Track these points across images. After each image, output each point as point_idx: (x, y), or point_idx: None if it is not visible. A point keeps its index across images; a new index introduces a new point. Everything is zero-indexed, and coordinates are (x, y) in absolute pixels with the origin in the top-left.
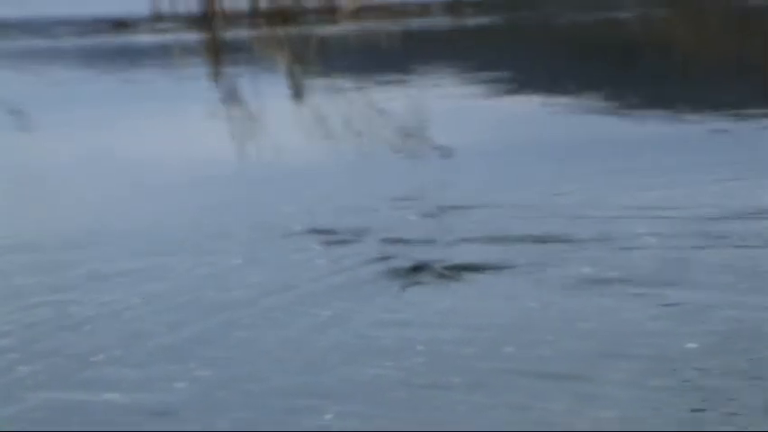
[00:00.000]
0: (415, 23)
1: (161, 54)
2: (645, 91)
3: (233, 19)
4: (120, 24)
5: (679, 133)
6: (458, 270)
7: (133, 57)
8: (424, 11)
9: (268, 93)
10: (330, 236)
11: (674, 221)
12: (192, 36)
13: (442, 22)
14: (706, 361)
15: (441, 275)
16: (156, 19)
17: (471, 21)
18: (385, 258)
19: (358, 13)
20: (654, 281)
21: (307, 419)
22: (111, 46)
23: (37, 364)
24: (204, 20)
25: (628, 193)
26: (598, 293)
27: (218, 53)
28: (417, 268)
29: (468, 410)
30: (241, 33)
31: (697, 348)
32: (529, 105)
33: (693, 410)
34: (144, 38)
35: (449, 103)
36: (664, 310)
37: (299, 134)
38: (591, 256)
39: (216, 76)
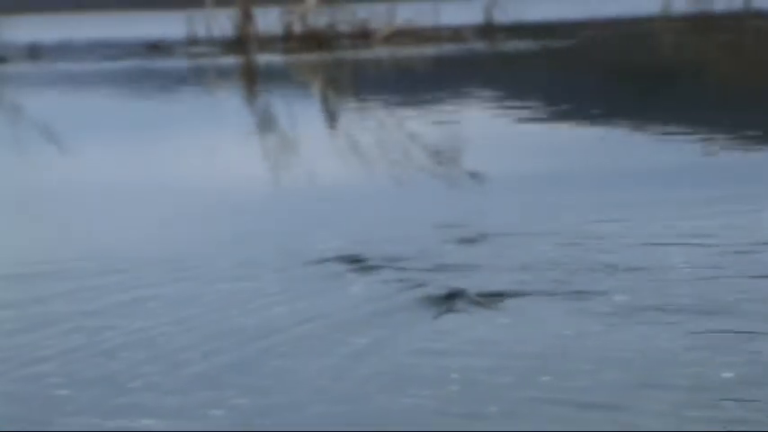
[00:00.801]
0: (449, 48)
1: (195, 78)
2: (682, 117)
3: (267, 43)
4: (155, 48)
5: (716, 161)
6: (493, 298)
7: (167, 80)
8: (457, 35)
9: (302, 117)
10: (365, 263)
11: (710, 250)
12: (227, 60)
13: (475, 46)
14: (743, 391)
15: (476, 303)
16: (192, 43)
17: (505, 45)
18: (420, 286)
19: (391, 38)
20: (690, 310)
21: None
22: (146, 69)
23: (76, 390)
24: (238, 44)
25: (664, 221)
26: (634, 322)
27: (253, 77)
28: (452, 296)
29: None
30: (275, 57)
31: (734, 378)
32: (564, 132)
33: None
34: (179, 61)
35: (483, 129)
36: (700, 340)
37: (334, 159)
38: (627, 284)
39: (250, 100)
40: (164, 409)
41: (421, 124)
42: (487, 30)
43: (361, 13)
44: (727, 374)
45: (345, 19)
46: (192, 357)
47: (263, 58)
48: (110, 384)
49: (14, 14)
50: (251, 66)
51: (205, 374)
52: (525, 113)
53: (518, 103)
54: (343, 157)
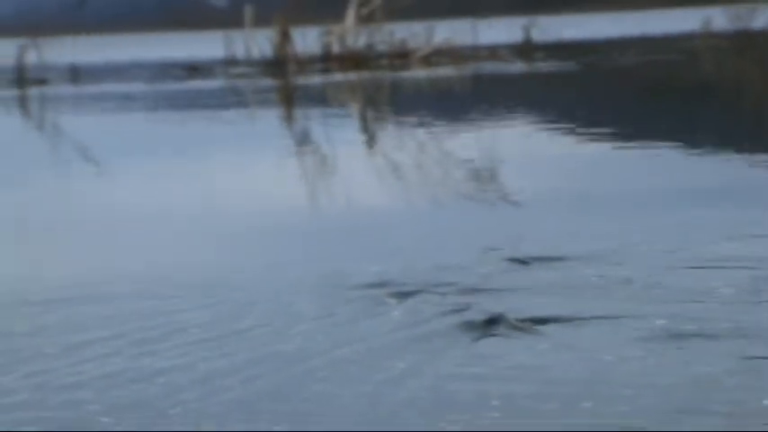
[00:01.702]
0: (487, 67)
1: (234, 99)
2: (720, 136)
3: (306, 64)
4: (193, 69)
5: (754, 182)
6: (532, 322)
7: (206, 102)
8: (495, 55)
9: (341, 139)
10: (404, 287)
11: (750, 274)
12: (265, 81)
13: (513, 66)
14: None
15: (515, 328)
16: (230, 63)
17: (542, 65)
18: (460, 310)
19: (430, 58)
20: (731, 334)
21: None
22: (185, 91)
23: (115, 416)
24: (277, 65)
25: (703, 244)
26: (674, 347)
27: (291, 98)
28: (492, 321)
29: None
30: (314, 78)
31: None
32: (601, 152)
33: None
34: (217, 82)
35: (522, 149)
36: (741, 365)
37: (372, 181)
38: (666, 308)
39: (289, 121)
40: None
41: (460, 145)
42: (525, 49)
43: (400, 32)
44: None
45: (384, 39)
46: (229, 383)
47: (302, 79)
48: (149, 410)
49: (55, 36)
50: (289, 87)
51: (243, 400)
52: (564, 133)
53: (556, 123)
54: (383, 179)
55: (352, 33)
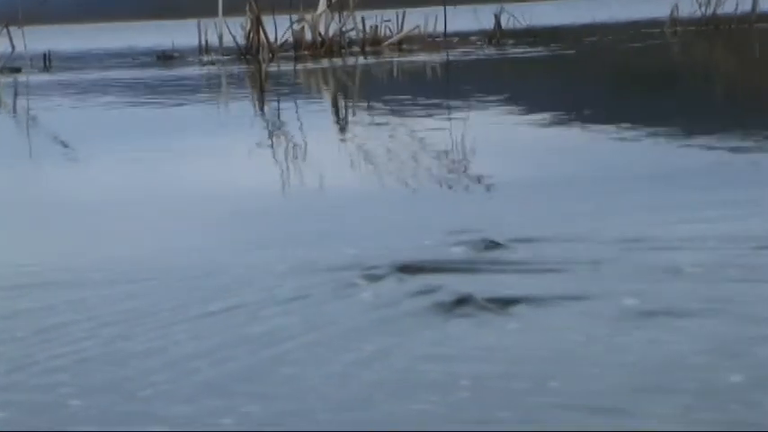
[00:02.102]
0: (458, 54)
1: (207, 86)
2: (689, 121)
3: (278, 51)
4: (167, 57)
5: (723, 165)
6: (501, 303)
7: (179, 88)
8: (465, 41)
9: (312, 124)
10: (375, 270)
11: (718, 254)
12: (238, 68)
13: (484, 52)
14: (752, 395)
15: (484, 308)
16: (203, 51)
17: (513, 51)
18: (429, 292)
19: (401, 45)
20: (699, 313)
21: None
22: (158, 78)
23: (87, 399)
24: (249, 52)
25: (671, 225)
26: (642, 326)
27: (264, 85)
28: (461, 302)
29: None
30: (286, 65)
31: (742, 382)
32: (571, 136)
33: None
34: (190, 70)
35: (493, 134)
36: (709, 343)
37: (343, 166)
38: (634, 288)
39: (260, 108)
40: (174, 417)
41: (431, 130)
42: (496, 35)
43: (371, 20)
44: (736, 378)
45: (355, 26)
46: (201, 365)
47: (275, 66)
48: (121, 393)
49: (28, 25)
50: (262, 73)
51: (215, 382)
52: (534, 118)
53: (527, 109)
54: (354, 164)
55: (323, 21)
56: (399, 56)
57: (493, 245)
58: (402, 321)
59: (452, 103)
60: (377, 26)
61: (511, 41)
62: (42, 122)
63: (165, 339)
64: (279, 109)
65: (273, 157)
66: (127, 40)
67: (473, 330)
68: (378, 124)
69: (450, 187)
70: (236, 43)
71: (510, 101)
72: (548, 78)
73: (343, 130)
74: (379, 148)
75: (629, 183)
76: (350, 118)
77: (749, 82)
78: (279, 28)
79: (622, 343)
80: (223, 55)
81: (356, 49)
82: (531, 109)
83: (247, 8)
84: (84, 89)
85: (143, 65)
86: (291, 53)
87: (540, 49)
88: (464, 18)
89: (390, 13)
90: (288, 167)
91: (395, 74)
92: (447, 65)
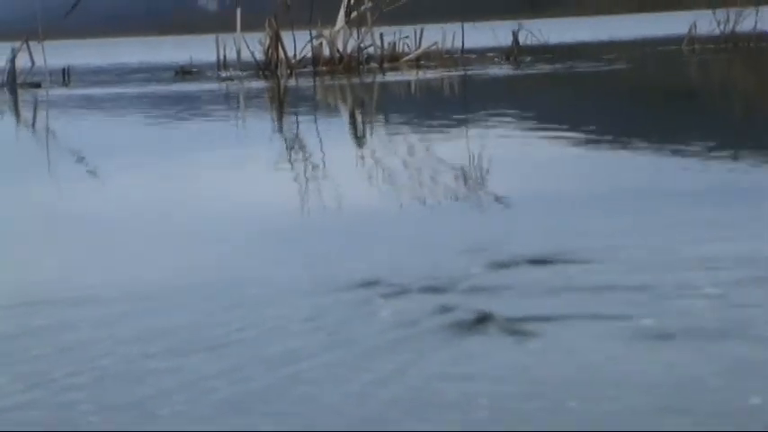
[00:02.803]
0: (476, 70)
1: (225, 102)
2: (707, 140)
3: (296, 67)
4: (185, 72)
5: (741, 184)
6: (520, 323)
7: (197, 104)
8: (483, 58)
9: (330, 141)
10: (393, 288)
11: (735, 274)
12: (256, 84)
13: (502, 69)
14: None
15: (503, 328)
16: (221, 67)
17: (531, 68)
18: (447, 311)
19: (419, 61)
20: (717, 334)
21: None
22: (176, 93)
23: (105, 417)
24: (268, 68)
25: (688, 245)
26: (659, 347)
27: (281, 101)
28: (480, 321)
29: None
30: (304, 81)
31: (762, 404)
32: (588, 154)
33: None
34: (209, 85)
35: (509, 152)
36: (727, 365)
37: (361, 183)
38: (651, 308)
39: (279, 124)
40: None
41: (448, 147)
42: (513, 52)
43: (389, 36)
44: (755, 400)
45: (373, 43)
46: (219, 384)
47: (293, 82)
48: (139, 411)
49: (47, 40)
50: (280, 89)
51: (232, 401)
52: (551, 136)
53: (544, 126)
54: (371, 181)
55: (342, 37)
56: (417, 72)
57: (510, 263)
58: (420, 340)
59: (470, 119)
60: (395, 42)
61: (528, 58)
62: (61, 137)
63: (183, 358)
64: (297, 125)
65: (291, 175)
66: (145, 56)
67: (491, 350)
68: (395, 141)
69: (468, 205)
70: (255, 59)
71: (527, 118)
72: (565, 95)
73: (361, 146)
74: (398, 164)
75: (647, 201)
76: (368, 134)
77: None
78: (297, 44)
79: (640, 364)
80: (241, 71)
81: (374, 65)
82: (548, 126)
83: (266, 24)
84: (103, 104)
85: (162, 80)
86: (310, 69)
87: (557, 66)
88: (482, 35)
89: (408, 30)
90: (306, 185)
91: (413, 90)
92: (465, 81)
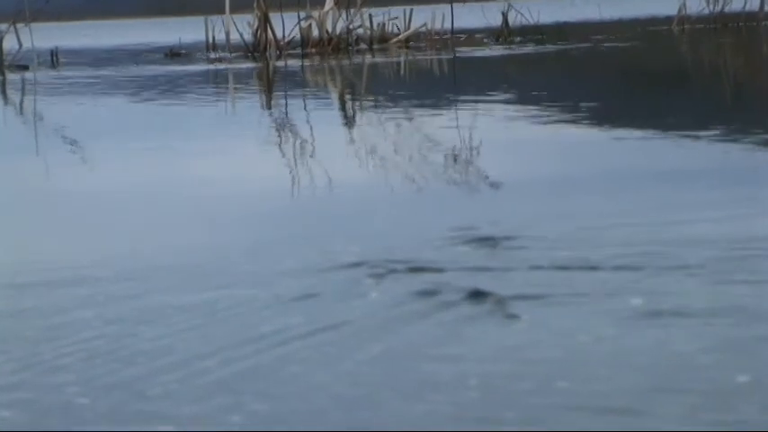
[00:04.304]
0: (465, 51)
1: (214, 83)
2: (696, 119)
3: (285, 48)
4: (174, 54)
5: (730, 164)
6: (508, 303)
7: (186, 85)
8: (473, 39)
9: (319, 122)
10: (382, 268)
11: (725, 253)
12: (245, 65)
13: (491, 50)
14: (760, 395)
15: (492, 308)
16: (210, 48)
17: (520, 49)
18: (438, 291)
19: (408, 42)
20: (705, 313)
21: None
22: (165, 74)
23: (95, 397)
24: (256, 49)
25: (678, 224)
26: (649, 326)
27: (270, 82)
28: (469, 301)
29: None
30: (293, 62)
31: (751, 382)
32: (578, 134)
33: None
34: (197, 66)
35: (498, 132)
36: (716, 343)
37: (351, 164)
38: (641, 287)
39: (267, 105)
40: (182, 415)
41: (438, 127)
42: (503, 33)
43: (378, 17)
44: (744, 378)
45: (362, 24)
46: (209, 365)
47: (282, 63)
48: (128, 392)
49: (35, 22)
50: (269, 71)
51: (223, 381)
52: (541, 116)
53: (533, 106)
54: (360, 162)
55: (331, 18)
56: (407, 53)
57: (499, 243)
58: (410, 321)
59: (459, 100)
60: (384, 23)
61: (518, 39)
62: (49, 119)
63: (172, 338)
64: (286, 106)
65: (281, 155)
66: (134, 37)
67: (481, 330)
68: (384, 121)
69: (456, 185)
70: (244, 40)
71: (516, 98)
72: (555, 76)
73: (349, 127)
74: (386, 145)
75: (635, 181)
76: (357, 115)
77: (757, 80)
78: (286, 25)
79: (630, 343)
80: (230, 52)
81: (363, 46)
82: (537, 106)
83: (255, 5)
84: (92, 86)
85: (151, 62)
86: (299, 50)
87: (547, 46)
88: (471, 15)
89: (398, 11)
90: (294, 165)
91: (402, 71)
92: (454, 62)
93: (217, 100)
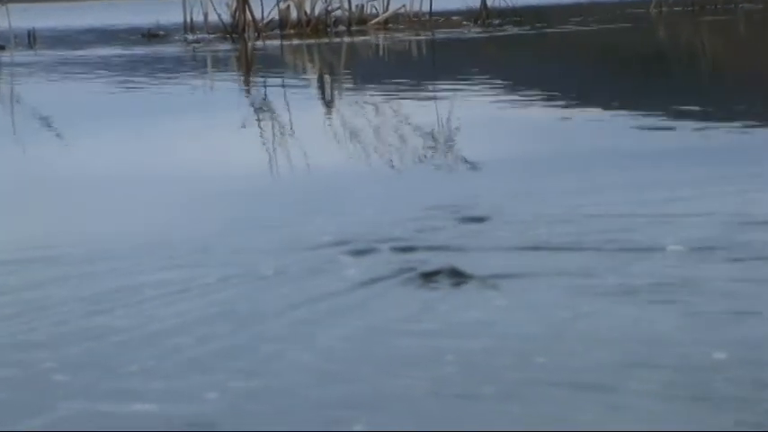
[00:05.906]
0: (444, 33)
1: (192, 65)
2: (673, 101)
3: (264, 30)
4: (152, 35)
5: (706, 144)
6: (488, 279)
7: (164, 67)
8: (451, 21)
9: (297, 103)
10: (359, 246)
11: (699, 231)
12: (224, 46)
13: (470, 32)
14: (733, 371)
15: (471, 285)
16: (188, 29)
17: (498, 31)
18: (415, 268)
19: (387, 24)
20: (681, 291)
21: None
22: (143, 56)
23: (70, 374)
24: (235, 31)
25: (653, 203)
26: (625, 302)
27: (249, 64)
28: (448, 278)
29: (499, 421)
30: (272, 44)
31: (724, 358)
32: (556, 116)
33: (723, 421)
34: (175, 48)
35: (476, 114)
36: (691, 320)
37: (329, 145)
38: (617, 265)
39: (245, 86)
40: (157, 392)
41: (416, 109)
42: (482, 15)
43: None
44: (719, 355)
45: (341, 5)
46: (185, 342)
47: (260, 45)
48: (103, 369)
49: (11, 2)
50: (247, 52)
51: (198, 359)
52: (519, 98)
53: (512, 88)
54: (338, 143)
55: (309, 0)
56: (385, 35)
57: (477, 222)
58: (386, 297)
59: (438, 82)
60: (363, 5)
61: (497, 21)
62: (26, 101)
63: (147, 316)
64: (264, 88)
65: (259, 136)
66: (112, 18)
67: (458, 306)
68: (363, 103)
69: (434, 165)
70: (222, 22)
71: (495, 80)
72: (533, 58)
73: (327, 108)
74: (364, 126)
75: (613, 162)
76: (335, 97)
77: (734, 62)
78: (265, 6)
79: (606, 320)
80: (209, 33)
81: (342, 28)
82: (516, 88)
83: None
84: (70, 67)
85: (129, 43)
86: (277, 32)
87: (526, 28)
88: None
89: None
90: (272, 146)
91: (381, 53)
92: (433, 44)
93: (194, 81)
